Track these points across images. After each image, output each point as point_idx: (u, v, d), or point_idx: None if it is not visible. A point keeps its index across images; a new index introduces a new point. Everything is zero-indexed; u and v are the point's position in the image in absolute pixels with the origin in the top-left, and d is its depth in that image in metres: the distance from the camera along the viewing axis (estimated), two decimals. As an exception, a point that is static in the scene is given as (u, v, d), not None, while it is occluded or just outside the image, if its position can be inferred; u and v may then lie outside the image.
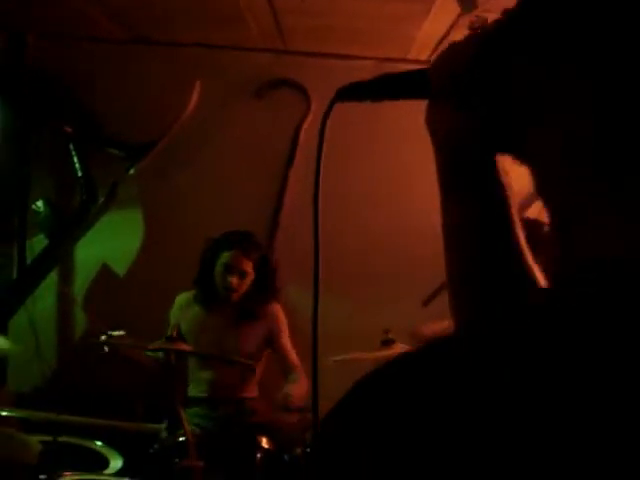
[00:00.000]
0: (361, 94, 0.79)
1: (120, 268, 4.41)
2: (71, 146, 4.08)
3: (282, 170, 4.30)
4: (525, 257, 0.67)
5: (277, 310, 3.59)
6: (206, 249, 3.57)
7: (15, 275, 4.26)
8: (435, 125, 0.70)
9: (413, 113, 0.84)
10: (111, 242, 4.39)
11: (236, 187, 4.29)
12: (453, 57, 0.67)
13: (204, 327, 3.53)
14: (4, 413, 2.85)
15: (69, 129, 4.06)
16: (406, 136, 3.84)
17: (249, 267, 3.48)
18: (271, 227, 4.33)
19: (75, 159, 4.09)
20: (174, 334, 2.91)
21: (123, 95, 4.22)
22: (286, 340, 3.55)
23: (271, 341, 3.55)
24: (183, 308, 3.64)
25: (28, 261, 4.26)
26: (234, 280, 3.43)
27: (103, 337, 2.94)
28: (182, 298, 3.67)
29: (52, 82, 4.12)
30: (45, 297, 4.34)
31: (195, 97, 4.01)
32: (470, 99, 0.64)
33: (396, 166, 4.19)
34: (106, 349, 2.94)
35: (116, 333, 3.05)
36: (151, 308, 3.97)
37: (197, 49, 4.19)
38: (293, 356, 3.49)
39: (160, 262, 4.26)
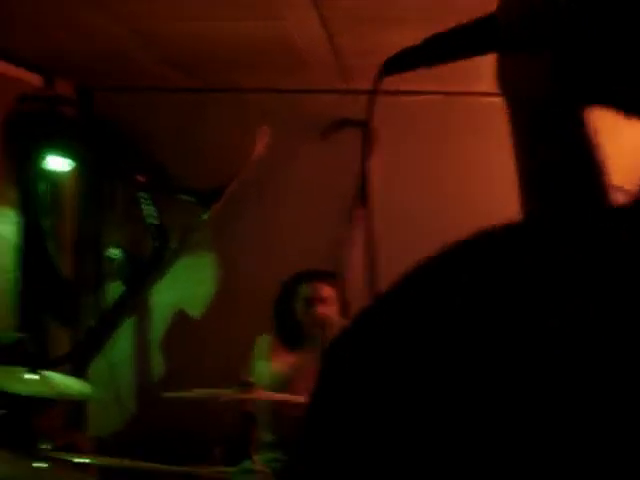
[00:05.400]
0: (412, 61, 0.66)
1: (195, 313, 4.46)
2: (144, 194, 4.18)
3: (350, 209, 4.29)
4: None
5: None
6: (281, 291, 3.53)
7: (93, 321, 4.36)
8: (507, 80, 0.59)
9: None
10: (185, 287, 4.45)
11: (305, 229, 4.30)
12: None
13: (298, 372, 3.43)
14: (80, 460, 2.89)
15: (141, 178, 4.16)
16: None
17: (331, 293, 3.42)
18: (341, 267, 4.32)
19: (148, 207, 4.19)
20: (248, 380, 2.89)
21: (192, 142, 4.31)
22: None
23: None
24: (266, 352, 3.56)
25: (105, 307, 4.36)
26: (320, 309, 3.36)
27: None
28: (263, 342, 3.60)
29: (123, 133, 4.23)
30: (122, 342, 4.42)
31: (262, 141, 4.07)
32: (550, 41, 0.53)
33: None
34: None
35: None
36: (226, 353, 4.00)
37: (261, 94, 4.26)
38: None
39: (234, 306, 4.29)
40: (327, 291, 3.40)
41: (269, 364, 3.47)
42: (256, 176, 4.17)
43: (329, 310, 3.39)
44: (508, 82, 0.58)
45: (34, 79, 3.98)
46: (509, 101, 0.59)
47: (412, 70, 0.67)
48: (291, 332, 3.46)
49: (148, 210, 4.20)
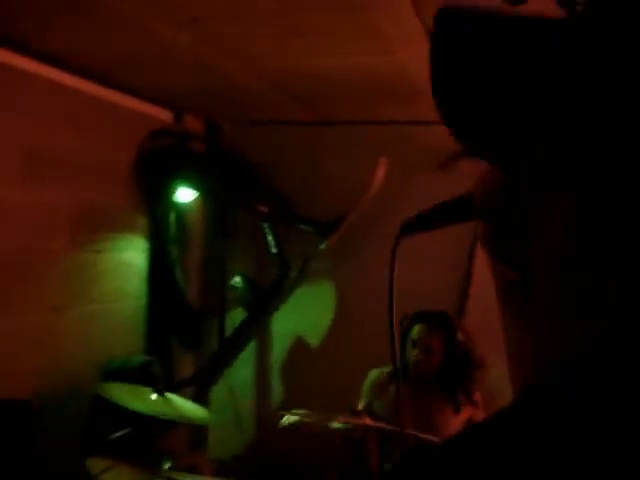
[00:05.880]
0: (423, 226, 0.89)
1: (313, 341, 4.54)
2: (265, 224, 4.32)
3: (469, 240, 4.27)
4: None
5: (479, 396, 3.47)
6: (400, 326, 3.55)
7: (216, 347, 4.52)
8: (484, 245, 0.71)
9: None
10: (304, 315, 4.55)
11: (423, 260, 4.30)
12: (485, 184, 0.68)
13: (403, 407, 3.45)
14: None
15: (263, 208, 4.29)
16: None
17: (435, 344, 3.41)
18: (461, 299, 4.29)
19: (269, 237, 4.32)
20: (358, 409, 2.94)
21: (312, 174, 4.43)
22: None
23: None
24: (375, 386, 3.60)
25: (227, 333, 4.51)
26: (418, 356, 3.39)
27: (285, 419, 3.06)
28: (374, 375, 3.65)
29: (247, 165, 4.40)
30: (243, 368, 4.55)
31: (380, 173, 4.11)
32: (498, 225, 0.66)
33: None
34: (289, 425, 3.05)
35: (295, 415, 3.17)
36: (341, 381, 4.04)
37: (379, 126, 4.32)
38: None
39: (349, 335, 4.34)
40: (433, 339, 3.39)
41: (377, 396, 3.49)
42: (374, 207, 4.21)
43: (430, 359, 3.38)
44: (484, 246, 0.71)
45: (165, 115, 4.21)
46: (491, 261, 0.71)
47: (422, 233, 0.92)
48: (397, 368, 3.48)
49: (270, 239, 4.32)
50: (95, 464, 2.74)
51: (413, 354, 3.40)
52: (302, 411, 3.24)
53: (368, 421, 2.99)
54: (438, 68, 0.58)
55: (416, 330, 3.43)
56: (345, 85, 3.62)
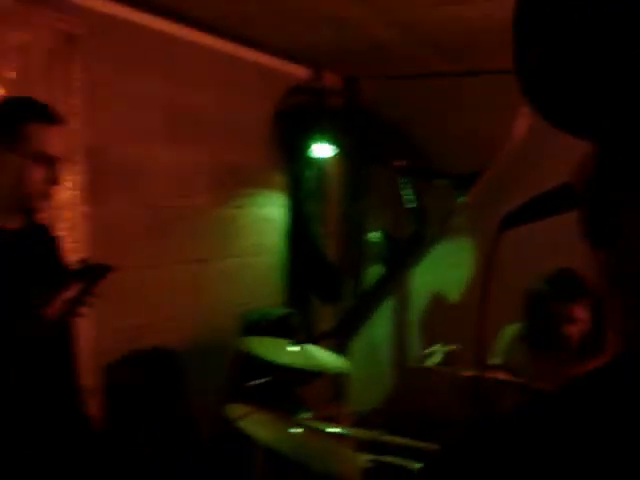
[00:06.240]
0: (523, 219, 0.88)
1: (452, 296, 4.49)
2: (403, 179, 4.29)
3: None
4: None
5: None
6: (530, 298, 3.44)
7: (354, 301, 4.57)
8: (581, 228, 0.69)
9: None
10: (443, 271, 4.50)
11: (565, 218, 4.14)
12: (582, 170, 0.67)
13: (533, 370, 3.38)
14: (331, 430, 3.05)
15: (400, 163, 4.26)
16: None
17: (581, 314, 3.29)
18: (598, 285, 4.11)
19: (407, 191, 4.29)
20: (490, 363, 2.89)
21: (450, 126, 4.33)
22: None
23: None
24: (510, 343, 3.54)
25: (366, 288, 4.55)
26: (569, 329, 3.27)
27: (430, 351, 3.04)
28: (510, 331, 3.58)
29: (384, 119, 4.37)
30: (382, 322, 4.58)
31: (522, 125, 3.97)
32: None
33: None
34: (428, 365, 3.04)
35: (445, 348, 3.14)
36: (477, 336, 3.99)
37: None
38: None
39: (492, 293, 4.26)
40: (579, 312, 3.25)
41: (509, 354, 3.42)
42: (516, 160, 4.09)
43: (576, 329, 3.26)
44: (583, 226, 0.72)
45: (302, 72, 4.24)
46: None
47: (521, 225, 0.92)
48: (538, 338, 3.37)
49: (407, 194, 4.30)
50: (234, 410, 2.84)
51: (561, 329, 3.28)
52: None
53: (500, 375, 2.94)
54: (521, 42, 0.57)
55: (559, 306, 3.30)
56: (487, 32, 3.51)
